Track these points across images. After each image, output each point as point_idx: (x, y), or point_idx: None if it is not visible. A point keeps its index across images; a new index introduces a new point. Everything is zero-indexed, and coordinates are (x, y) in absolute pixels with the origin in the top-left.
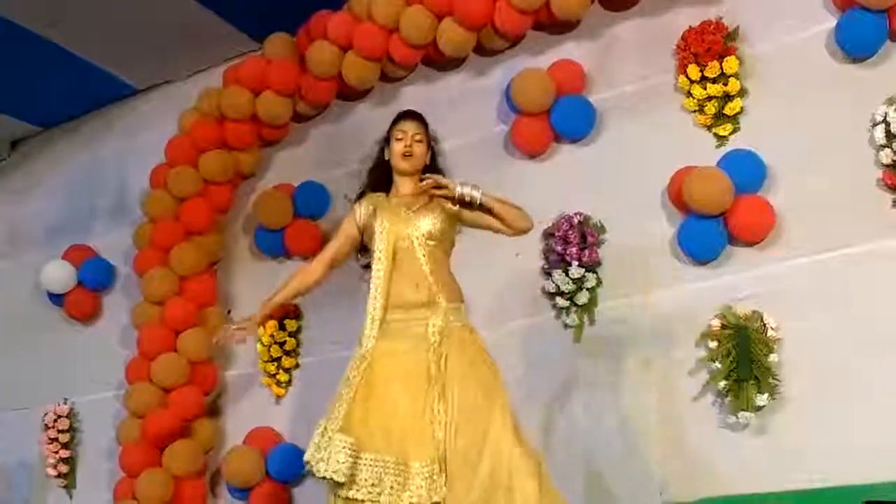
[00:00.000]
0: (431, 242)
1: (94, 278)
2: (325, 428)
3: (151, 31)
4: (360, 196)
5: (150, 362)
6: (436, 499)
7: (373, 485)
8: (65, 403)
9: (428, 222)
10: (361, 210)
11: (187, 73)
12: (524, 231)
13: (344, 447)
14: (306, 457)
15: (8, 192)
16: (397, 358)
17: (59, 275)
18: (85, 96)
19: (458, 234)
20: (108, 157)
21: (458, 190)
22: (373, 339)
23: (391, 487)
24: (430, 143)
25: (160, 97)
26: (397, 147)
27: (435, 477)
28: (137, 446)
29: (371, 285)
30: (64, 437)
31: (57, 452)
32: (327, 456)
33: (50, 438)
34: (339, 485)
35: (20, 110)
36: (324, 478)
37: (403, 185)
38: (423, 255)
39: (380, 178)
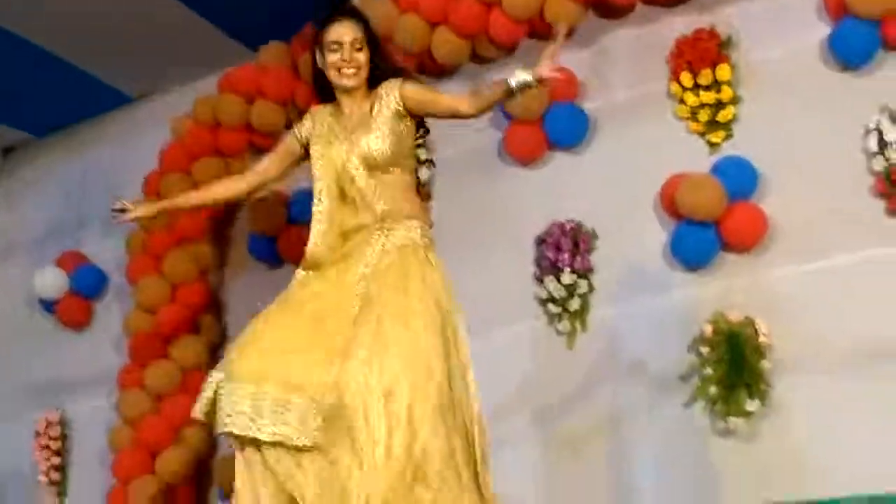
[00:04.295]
0: (383, 167)
1: (87, 285)
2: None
3: (146, 39)
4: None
5: (142, 369)
6: (303, 443)
7: (228, 415)
8: (57, 411)
9: (371, 143)
10: (306, 124)
11: (181, 82)
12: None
13: (210, 383)
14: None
15: (0, 200)
16: (323, 281)
17: (52, 281)
18: (79, 104)
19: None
20: (102, 165)
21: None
22: (304, 270)
23: (252, 419)
24: (372, 41)
25: (154, 106)
26: (333, 59)
27: (310, 420)
28: (130, 453)
29: (312, 224)
30: (56, 445)
31: (49, 459)
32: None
33: (42, 445)
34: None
35: (13, 118)
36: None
37: (347, 102)
38: (369, 183)
39: (323, 88)
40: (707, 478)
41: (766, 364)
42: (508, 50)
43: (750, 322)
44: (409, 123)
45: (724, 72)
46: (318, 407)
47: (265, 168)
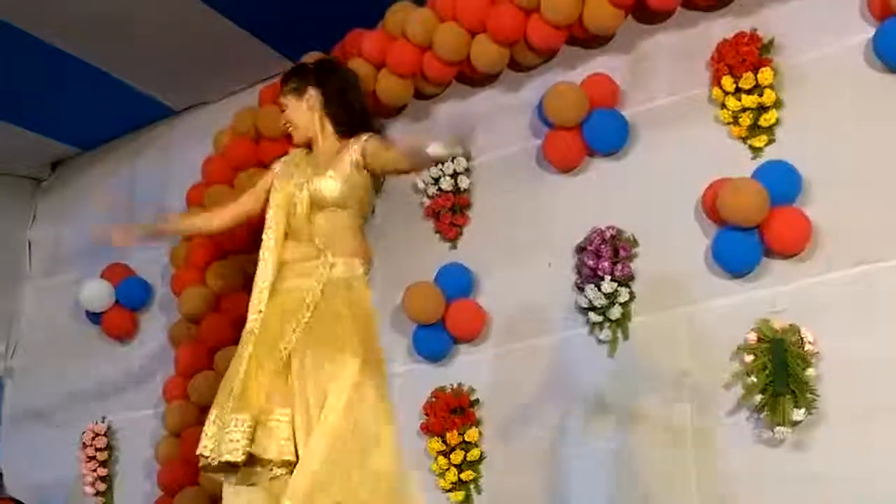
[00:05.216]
0: (330, 207)
1: (132, 297)
2: (216, 416)
3: (188, 52)
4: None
5: (187, 380)
6: (287, 457)
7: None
8: (103, 422)
9: (327, 185)
10: (277, 164)
11: (223, 94)
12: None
13: (239, 425)
14: (203, 451)
15: (48, 213)
16: (281, 314)
17: (98, 294)
18: (123, 118)
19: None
20: (146, 178)
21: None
22: (260, 311)
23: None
24: (316, 88)
25: (197, 118)
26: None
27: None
28: (175, 464)
29: (260, 254)
30: (102, 456)
31: (95, 471)
32: (226, 438)
33: (88, 457)
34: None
35: (61, 132)
36: (226, 462)
37: (315, 146)
38: (317, 220)
39: None
40: (753, 488)
41: (811, 372)
42: (548, 56)
43: (795, 329)
44: (366, 175)
45: (766, 75)
46: None
47: (244, 202)
